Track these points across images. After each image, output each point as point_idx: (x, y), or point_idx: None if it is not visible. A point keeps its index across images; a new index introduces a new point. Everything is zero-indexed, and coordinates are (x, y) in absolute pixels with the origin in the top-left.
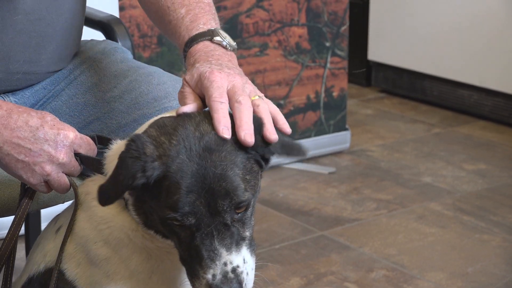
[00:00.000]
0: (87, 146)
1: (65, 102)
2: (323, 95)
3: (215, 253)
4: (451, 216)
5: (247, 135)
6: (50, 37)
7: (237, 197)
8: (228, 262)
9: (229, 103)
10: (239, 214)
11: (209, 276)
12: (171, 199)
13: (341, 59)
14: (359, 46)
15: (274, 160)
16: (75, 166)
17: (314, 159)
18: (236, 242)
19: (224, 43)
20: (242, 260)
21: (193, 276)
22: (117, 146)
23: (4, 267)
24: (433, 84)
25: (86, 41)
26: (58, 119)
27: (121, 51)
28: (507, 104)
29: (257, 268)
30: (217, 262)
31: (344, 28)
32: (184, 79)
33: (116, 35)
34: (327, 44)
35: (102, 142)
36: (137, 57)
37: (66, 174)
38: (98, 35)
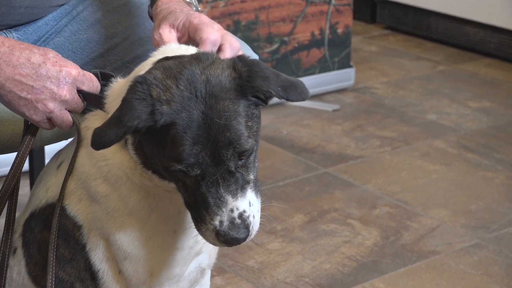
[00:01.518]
0: (90, 83)
1: (67, 38)
2: (327, 31)
3: (221, 200)
4: (455, 153)
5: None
6: None
7: (240, 146)
8: (234, 208)
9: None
10: (243, 160)
11: (216, 223)
12: (177, 150)
13: None
14: None
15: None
16: (78, 103)
17: (318, 97)
18: (241, 187)
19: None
20: (248, 204)
21: (199, 221)
22: (118, 84)
23: (7, 203)
24: (438, 21)
25: None
26: (60, 56)
27: None
28: None
29: (263, 209)
30: (224, 209)
31: None
32: (162, 22)
33: None
34: None
35: (105, 78)
36: None
37: (69, 111)
38: None
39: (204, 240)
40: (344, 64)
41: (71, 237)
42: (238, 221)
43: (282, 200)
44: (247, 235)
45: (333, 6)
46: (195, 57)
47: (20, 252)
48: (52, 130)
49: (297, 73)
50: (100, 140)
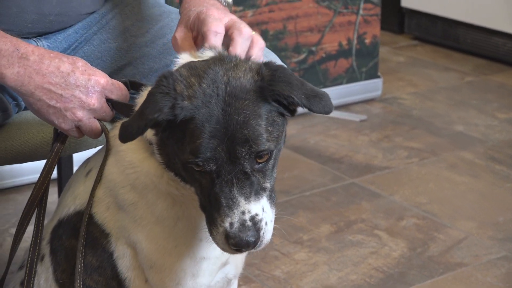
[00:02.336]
0: (119, 92)
1: (97, 46)
2: (355, 42)
3: (233, 201)
4: (482, 165)
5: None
6: None
7: (256, 146)
8: (246, 211)
9: (227, 33)
10: (260, 164)
11: (226, 225)
12: (194, 143)
13: (374, 6)
14: None
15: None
16: (107, 112)
17: (345, 107)
18: (255, 192)
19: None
20: (261, 209)
21: (211, 224)
22: (147, 91)
23: (36, 210)
24: (466, 32)
25: None
26: (89, 65)
27: None
28: None
29: (288, 214)
30: (235, 211)
31: None
32: (180, 23)
33: None
34: None
35: (135, 87)
36: (168, 1)
37: (97, 119)
38: None
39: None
40: (372, 74)
41: (99, 245)
42: (249, 223)
43: (309, 210)
44: (258, 239)
45: (361, 16)
46: (219, 59)
47: (47, 259)
48: (81, 138)
49: (325, 83)
50: (125, 133)
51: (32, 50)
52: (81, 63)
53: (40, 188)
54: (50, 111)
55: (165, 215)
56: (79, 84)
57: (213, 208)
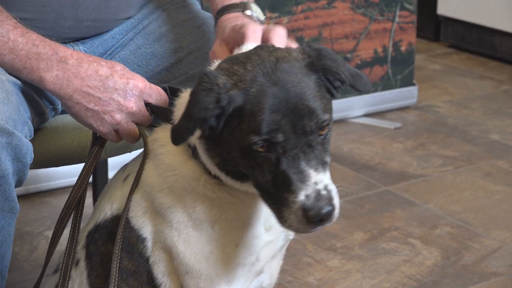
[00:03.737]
0: (158, 96)
1: (133, 51)
2: (390, 49)
3: (304, 174)
4: None
5: None
6: None
7: (320, 117)
8: (318, 181)
9: (264, 37)
10: (321, 137)
11: (302, 198)
12: (255, 121)
13: (410, 13)
14: (428, 0)
15: (340, 113)
16: (145, 115)
17: (380, 114)
18: (321, 164)
19: (255, 17)
20: (330, 179)
21: (281, 207)
22: (187, 93)
23: (73, 213)
24: (503, 40)
25: None
26: (127, 69)
27: (190, 1)
28: None
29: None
30: (308, 182)
31: None
32: (216, 38)
33: None
34: None
35: (174, 93)
36: (205, 7)
37: (136, 123)
38: None
39: (265, 258)
40: (407, 82)
41: (135, 250)
42: (324, 192)
43: (343, 217)
44: (334, 209)
45: (396, 24)
46: (259, 47)
47: (82, 264)
48: (117, 143)
49: None
50: (175, 135)
51: (71, 53)
52: (119, 67)
53: (78, 191)
54: (89, 114)
55: (202, 218)
56: (117, 88)
57: (281, 189)
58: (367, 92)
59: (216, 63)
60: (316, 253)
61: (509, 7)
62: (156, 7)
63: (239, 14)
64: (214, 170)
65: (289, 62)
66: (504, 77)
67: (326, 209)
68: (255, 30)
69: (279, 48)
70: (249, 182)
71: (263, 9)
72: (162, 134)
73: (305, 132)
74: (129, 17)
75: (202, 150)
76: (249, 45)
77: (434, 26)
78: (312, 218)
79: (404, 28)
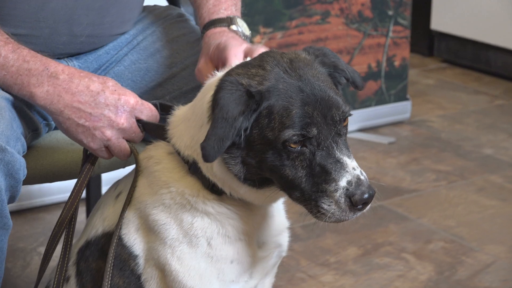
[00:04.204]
0: (149, 112)
1: (127, 67)
2: (384, 64)
3: (341, 163)
4: (511, 188)
5: None
6: None
7: (344, 107)
8: (355, 167)
9: (246, 57)
10: (345, 128)
11: (344, 184)
12: (288, 116)
13: (404, 28)
14: (422, 15)
15: None
16: (136, 132)
17: (374, 129)
18: (350, 152)
19: (240, 32)
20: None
21: (319, 200)
22: (180, 111)
23: (65, 231)
24: (497, 55)
25: (150, 7)
26: (119, 85)
27: (184, 16)
28: None
29: (315, 237)
30: (347, 169)
31: None
32: (201, 55)
33: (178, 0)
34: (390, 12)
35: (165, 109)
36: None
37: (127, 140)
38: (161, 1)
39: (259, 275)
40: (401, 97)
41: (127, 267)
42: (362, 177)
43: (336, 232)
44: (375, 193)
45: (390, 39)
46: (265, 53)
47: (73, 281)
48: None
49: (353, 105)
50: (210, 149)
51: (62, 69)
52: (111, 83)
53: (70, 209)
54: (79, 130)
55: (199, 235)
56: (108, 103)
57: (318, 182)
58: (362, 88)
59: (218, 74)
60: (310, 269)
61: (503, 23)
62: (151, 22)
63: (225, 29)
64: (225, 181)
65: (302, 60)
66: (498, 92)
67: (368, 192)
68: (236, 54)
69: (285, 52)
70: (270, 187)
71: (257, 24)
72: (156, 151)
73: (334, 122)
74: (124, 33)
75: (219, 160)
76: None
77: (427, 41)
78: (357, 202)
79: (398, 43)
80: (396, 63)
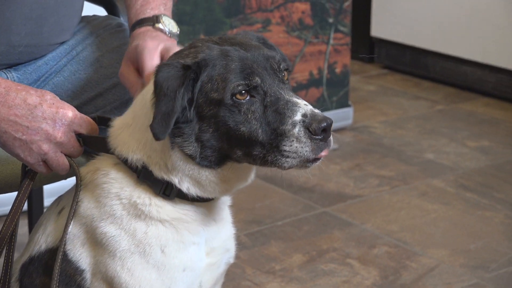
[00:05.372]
0: (88, 126)
1: (67, 77)
2: (325, 71)
3: (292, 102)
4: (453, 193)
5: None
6: (52, 8)
7: (279, 59)
8: (306, 103)
9: (163, 58)
10: (287, 81)
11: (299, 118)
12: (229, 71)
13: (344, 35)
14: (362, 22)
15: None
16: (75, 146)
17: None
18: (298, 96)
19: (166, 30)
20: None
21: (280, 145)
22: (118, 121)
23: (5, 248)
24: (436, 61)
25: (89, 17)
26: (58, 98)
27: (124, 26)
28: (511, 81)
29: (260, 244)
30: (298, 105)
31: (347, 4)
32: (124, 56)
33: (117, 10)
34: (330, 20)
35: (103, 122)
36: None
37: (66, 155)
38: (100, 10)
39: (208, 284)
40: (342, 103)
41: (73, 282)
42: (316, 110)
43: (281, 240)
44: (332, 122)
45: (331, 46)
46: (193, 41)
47: None
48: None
49: None
50: (158, 126)
51: None
52: (49, 96)
53: (10, 225)
54: (16, 144)
55: (153, 243)
56: (46, 117)
57: (274, 128)
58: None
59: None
60: (255, 277)
61: (441, 29)
62: (90, 32)
63: (149, 28)
64: (184, 170)
65: (231, 36)
66: (438, 97)
67: (326, 120)
68: (152, 57)
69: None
70: (227, 163)
71: (198, 34)
72: (102, 163)
73: (274, 70)
74: (63, 42)
75: (174, 149)
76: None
77: (368, 48)
78: (315, 131)
79: (339, 50)
80: (338, 70)
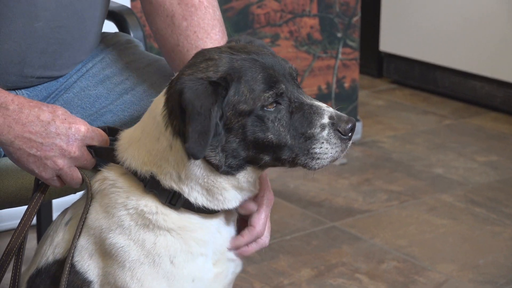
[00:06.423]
0: (100, 138)
1: (76, 94)
2: (334, 86)
3: (316, 105)
4: (462, 207)
5: None
6: (68, 44)
7: (292, 66)
8: (327, 106)
9: None
10: (301, 87)
11: (326, 120)
12: (257, 82)
13: (353, 50)
14: (370, 36)
15: None
16: (88, 160)
17: None
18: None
19: None
20: None
21: (309, 147)
22: (127, 133)
23: (14, 258)
24: (444, 75)
25: None
26: (69, 113)
27: (133, 43)
28: None
29: (268, 259)
30: (323, 108)
31: (356, 18)
32: None
33: (128, 25)
34: (339, 34)
35: (113, 133)
36: (148, 47)
37: (78, 168)
38: (110, 26)
39: None
40: None
41: None
42: (337, 111)
43: (290, 254)
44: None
45: (340, 61)
46: (200, 51)
47: None
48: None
49: None
50: (196, 146)
51: (12, 99)
52: (61, 111)
53: (18, 237)
54: (30, 160)
55: (162, 253)
56: (59, 133)
57: (303, 132)
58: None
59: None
60: None
61: (449, 43)
62: (100, 49)
63: None
64: (204, 177)
65: (239, 44)
66: (447, 112)
67: (351, 120)
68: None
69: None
70: (246, 168)
71: None
72: (110, 173)
73: (293, 77)
74: None
75: (187, 157)
76: None
77: (377, 63)
78: (346, 131)
79: (347, 64)
80: (346, 84)
